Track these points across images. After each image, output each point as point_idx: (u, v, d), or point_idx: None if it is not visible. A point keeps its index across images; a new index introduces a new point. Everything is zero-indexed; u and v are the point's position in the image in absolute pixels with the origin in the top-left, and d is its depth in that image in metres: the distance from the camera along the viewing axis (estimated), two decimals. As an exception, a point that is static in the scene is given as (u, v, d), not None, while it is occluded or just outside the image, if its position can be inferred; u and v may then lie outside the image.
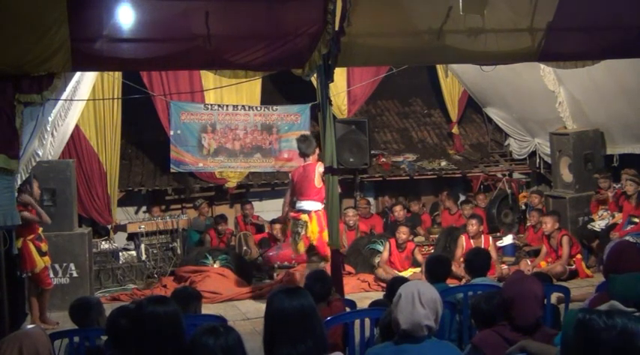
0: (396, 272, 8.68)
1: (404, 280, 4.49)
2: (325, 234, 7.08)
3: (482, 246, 8.49)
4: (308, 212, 7.27)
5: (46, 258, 7.42)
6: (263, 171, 11.39)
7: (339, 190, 7.01)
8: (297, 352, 2.64)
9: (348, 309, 4.90)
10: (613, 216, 8.93)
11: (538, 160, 11.78)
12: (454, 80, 12.13)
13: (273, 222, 10.17)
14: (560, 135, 10.18)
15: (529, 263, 8.95)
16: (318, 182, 7.16)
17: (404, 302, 2.95)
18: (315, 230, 7.21)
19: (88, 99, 8.62)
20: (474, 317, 4.14)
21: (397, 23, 6.15)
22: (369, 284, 8.61)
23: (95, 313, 4.52)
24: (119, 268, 9.55)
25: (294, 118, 11.31)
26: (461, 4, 5.82)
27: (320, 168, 7.03)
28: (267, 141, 11.22)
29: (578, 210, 9.72)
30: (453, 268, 8.33)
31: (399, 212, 10.45)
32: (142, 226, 10.05)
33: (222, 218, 10.52)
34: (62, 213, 8.25)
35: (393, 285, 4.55)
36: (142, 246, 9.92)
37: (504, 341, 3.38)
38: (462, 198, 12.03)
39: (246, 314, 7.48)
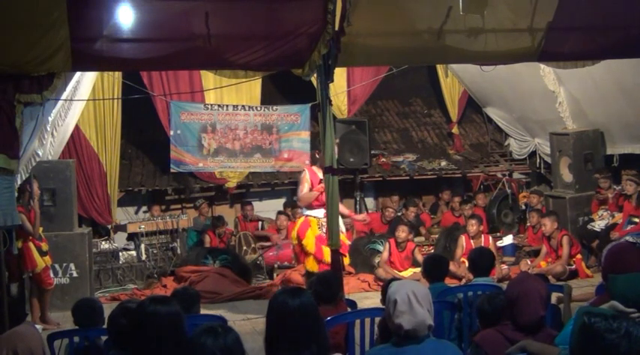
0: (396, 272, 8.69)
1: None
2: (306, 241, 7.00)
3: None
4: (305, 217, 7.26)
5: (47, 258, 7.41)
6: (263, 171, 11.39)
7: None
8: (298, 353, 2.63)
9: (348, 309, 4.90)
10: (613, 216, 8.92)
11: (538, 160, 11.77)
12: (454, 80, 12.13)
13: None
14: (560, 135, 10.17)
15: (529, 263, 8.95)
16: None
17: (402, 305, 2.93)
18: (294, 236, 7.16)
19: (88, 99, 8.62)
20: (479, 319, 4.14)
21: (397, 23, 6.14)
22: (369, 284, 8.60)
23: (98, 315, 4.52)
24: (119, 268, 9.55)
25: (294, 118, 11.30)
26: (461, 4, 5.81)
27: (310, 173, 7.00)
28: (267, 141, 11.21)
29: (578, 210, 9.71)
30: (453, 268, 8.36)
31: (409, 214, 10.40)
32: (142, 226, 10.05)
33: (220, 220, 10.48)
34: (62, 213, 8.24)
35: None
36: (142, 246, 9.92)
37: (506, 340, 3.38)
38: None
39: (246, 314, 7.46)
